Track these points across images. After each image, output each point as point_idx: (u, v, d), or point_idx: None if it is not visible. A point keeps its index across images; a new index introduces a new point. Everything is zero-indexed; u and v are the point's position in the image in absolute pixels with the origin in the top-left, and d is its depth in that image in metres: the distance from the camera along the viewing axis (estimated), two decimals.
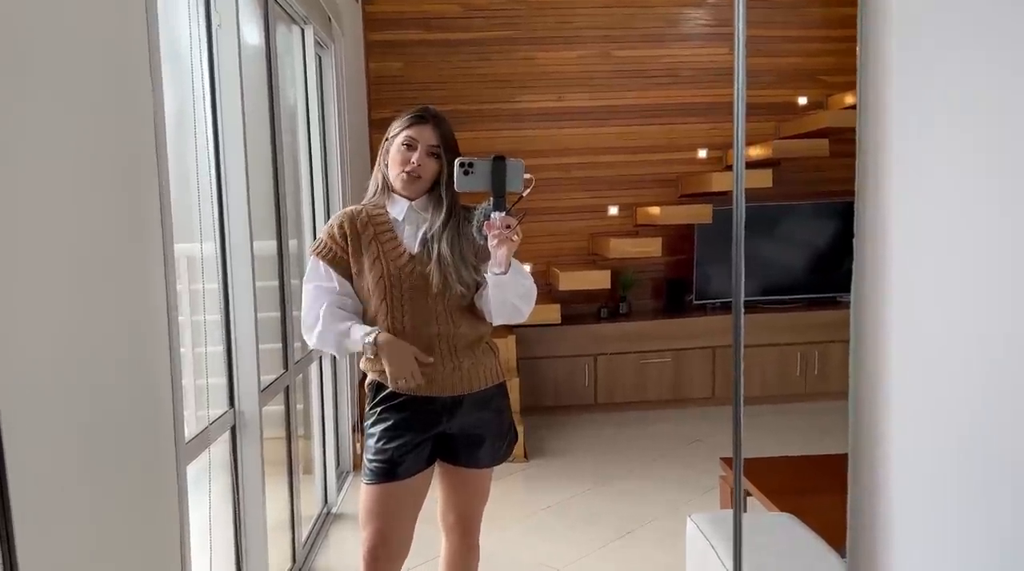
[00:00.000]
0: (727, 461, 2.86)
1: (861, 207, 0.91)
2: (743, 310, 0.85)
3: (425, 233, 1.91)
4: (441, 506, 2.09)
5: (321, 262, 1.94)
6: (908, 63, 0.91)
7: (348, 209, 1.99)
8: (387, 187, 1.96)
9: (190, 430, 1.88)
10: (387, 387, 1.92)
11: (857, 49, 0.90)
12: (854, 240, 0.91)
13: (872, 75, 0.92)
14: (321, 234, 1.98)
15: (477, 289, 1.91)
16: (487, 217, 1.76)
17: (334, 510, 3.57)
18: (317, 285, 1.94)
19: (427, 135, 1.90)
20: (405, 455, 1.92)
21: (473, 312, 1.95)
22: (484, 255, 1.86)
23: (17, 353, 1.07)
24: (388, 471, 1.92)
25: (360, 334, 1.88)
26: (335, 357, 3.78)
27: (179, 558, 1.67)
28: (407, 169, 1.89)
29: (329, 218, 3.72)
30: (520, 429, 3.98)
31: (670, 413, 4.98)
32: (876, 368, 0.93)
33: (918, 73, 0.90)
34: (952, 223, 0.86)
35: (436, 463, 2.02)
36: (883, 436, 0.93)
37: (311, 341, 1.95)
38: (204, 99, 2.24)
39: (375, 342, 1.86)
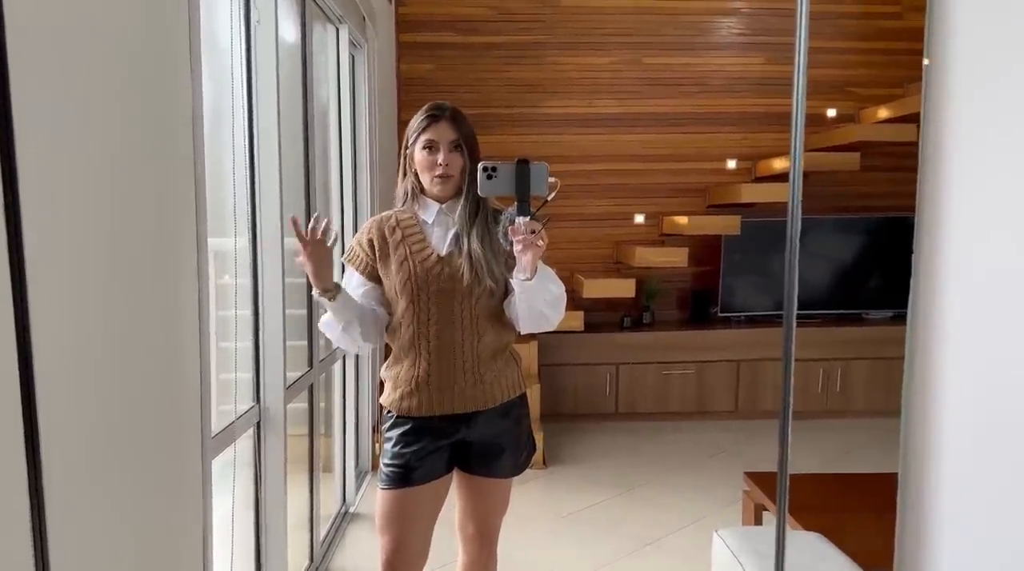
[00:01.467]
0: (751, 476, 2.82)
1: (920, 222, 0.89)
2: (795, 325, 0.83)
3: (456, 233, 1.90)
4: (459, 515, 2.06)
5: (353, 270, 1.94)
6: (973, 82, 0.88)
7: (377, 216, 1.98)
8: (416, 192, 1.94)
9: (213, 426, 1.88)
10: (402, 413, 1.93)
11: (923, 65, 0.87)
12: (912, 256, 0.88)
13: (936, 92, 0.89)
14: (352, 242, 1.97)
15: (506, 291, 1.89)
16: (512, 222, 1.73)
17: (352, 510, 3.57)
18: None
19: (445, 132, 1.86)
20: (422, 460, 1.90)
21: (500, 320, 1.92)
22: (512, 261, 1.83)
23: (53, 345, 1.07)
24: (404, 476, 1.90)
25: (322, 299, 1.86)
26: (358, 356, 3.78)
27: (201, 552, 1.66)
28: (437, 172, 1.86)
29: (357, 217, 3.75)
30: (539, 436, 3.96)
31: (691, 425, 4.94)
32: (930, 385, 0.90)
33: (983, 91, 0.88)
34: (1012, 240, 0.83)
35: (454, 471, 2.00)
36: (936, 454, 0.90)
37: (327, 332, 1.96)
38: (241, 95, 2.24)
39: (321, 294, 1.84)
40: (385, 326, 1.95)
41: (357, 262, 1.93)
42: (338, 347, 2.01)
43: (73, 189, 1.15)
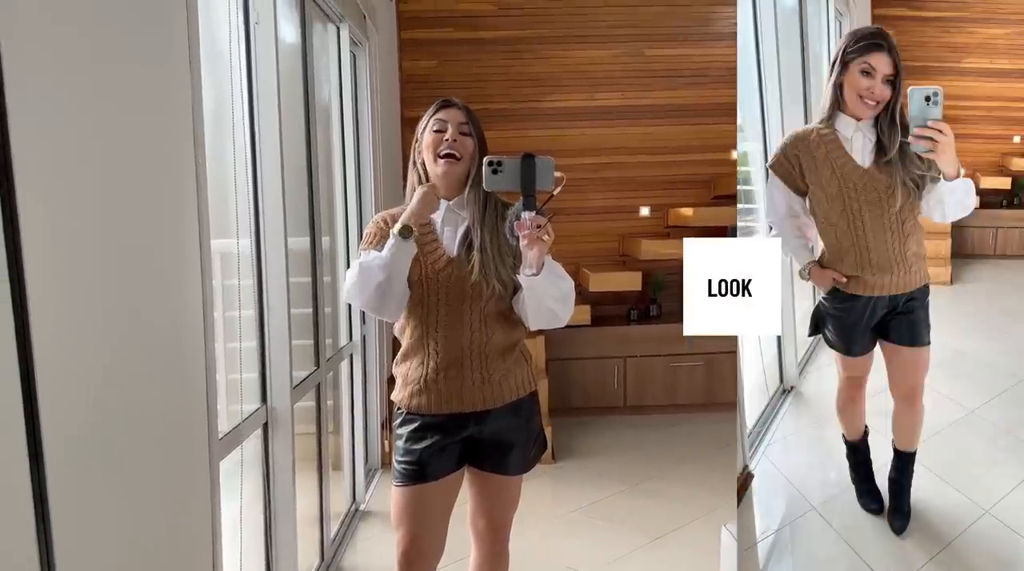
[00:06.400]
0: None
1: None
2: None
3: (467, 229, 1.88)
4: (471, 512, 2.06)
5: (372, 250, 1.85)
6: None
7: (390, 210, 1.96)
8: (424, 183, 1.92)
9: (221, 426, 1.88)
10: (411, 410, 1.91)
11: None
12: None
13: None
14: (370, 227, 1.92)
15: (515, 292, 1.88)
16: (517, 217, 1.72)
17: (362, 507, 3.57)
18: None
19: (456, 115, 1.87)
20: (433, 456, 1.90)
21: (509, 319, 1.91)
22: (519, 261, 1.81)
23: (56, 347, 1.07)
24: (417, 473, 1.90)
25: (390, 244, 1.79)
26: (366, 353, 3.78)
27: (210, 554, 1.67)
28: (443, 149, 1.84)
29: (361, 216, 3.74)
30: (548, 430, 3.95)
31: (700, 417, 4.91)
32: None
33: None
34: None
35: (465, 468, 1.99)
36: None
37: (352, 293, 1.85)
38: (241, 96, 2.24)
39: (399, 233, 1.77)
40: (404, 307, 1.89)
41: (377, 241, 1.86)
42: (351, 301, 1.93)
43: (73, 193, 1.15)
